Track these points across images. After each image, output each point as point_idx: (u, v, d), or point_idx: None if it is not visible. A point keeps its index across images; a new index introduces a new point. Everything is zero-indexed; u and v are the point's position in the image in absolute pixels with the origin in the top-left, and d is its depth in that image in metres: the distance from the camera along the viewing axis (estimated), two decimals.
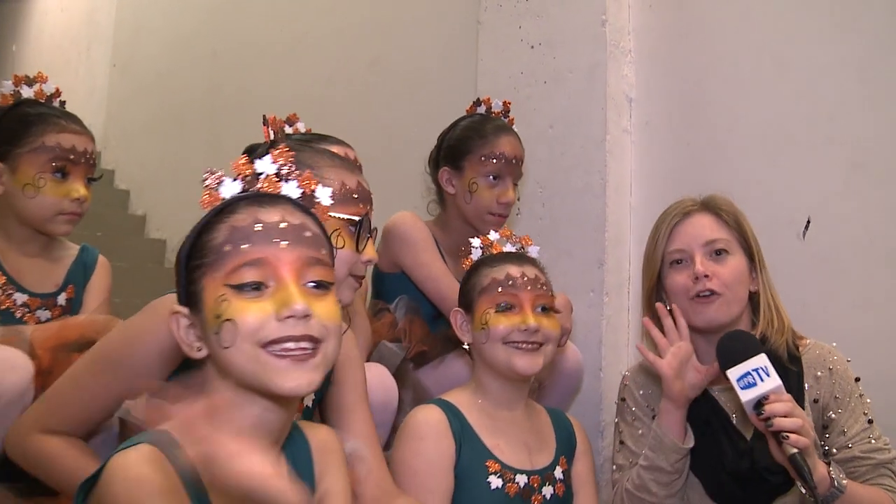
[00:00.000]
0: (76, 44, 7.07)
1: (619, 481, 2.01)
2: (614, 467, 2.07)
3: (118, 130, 5.99)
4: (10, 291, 2.13)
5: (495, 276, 1.90)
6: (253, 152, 2.18)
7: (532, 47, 3.04)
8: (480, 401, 1.92)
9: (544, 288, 1.92)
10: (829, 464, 1.77)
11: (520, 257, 1.97)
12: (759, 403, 1.68)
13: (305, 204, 1.28)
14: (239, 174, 1.25)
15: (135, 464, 1.11)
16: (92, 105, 6.36)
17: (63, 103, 2.27)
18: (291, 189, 1.27)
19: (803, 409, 1.85)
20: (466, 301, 1.95)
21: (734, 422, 1.97)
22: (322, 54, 4.35)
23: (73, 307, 2.27)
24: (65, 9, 7.46)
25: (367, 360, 2.18)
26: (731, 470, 1.91)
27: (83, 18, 7.05)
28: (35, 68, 6.98)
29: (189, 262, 1.22)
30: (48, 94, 2.23)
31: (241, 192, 1.24)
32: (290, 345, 1.15)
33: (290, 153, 1.29)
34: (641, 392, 2.08)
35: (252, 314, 1.15)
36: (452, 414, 1.87)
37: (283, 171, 1.27)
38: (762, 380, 1.69)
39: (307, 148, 1.75)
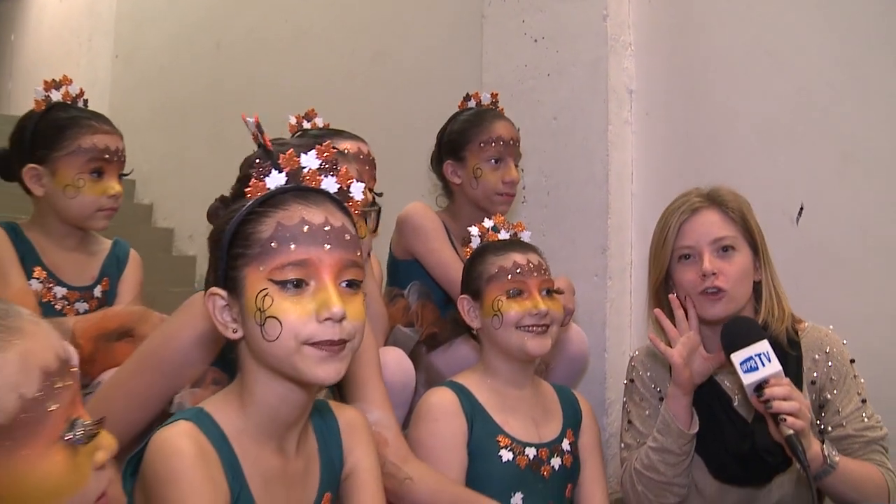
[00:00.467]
0: (77, 35, 7.02)
1: (627, 460, 2.09)
2: (622, 445, 2.14)
3: (121, 122, 5.80)
4: (51, 285, 2.23)
5: (502, 264, 1.98)
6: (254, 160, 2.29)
7: (535, 41, 3.10)
8: (489, 381, 2.01)
9: (547, 273, 2.01)
10: (822, 441, 1.86)
11: (522, 245, 2.05)
12: (760, 387, 1.76)
13: (340, 198, 1.34)
14: (285, 167, 1.31)
15: (174, 438, 1.22)
16: (94, 96, 6.14)
17: (86, 102, 2.36)
18: (331, 184, 1.33)
19: (801, 389, 1.94)
20: (473, 288, 2.02)
21: (736, 405, 2.03)
22: (326, 47, 4.35)
23: (108, 299, 2.37)
24: (64, 0, 7.41)
25: (385, 345, 2.27)
26: (733, 450, 1.98)
27: (83, 9, 7.00)
28: (35, 59, 7.00)
29: (231, 248, 1.28)
30: (73, 95, 2.32)
31: (286, 185, 1.30)
32: (327, 344, 1.24)
33: (334, 150, 1.35)
34: (649, 374, 2.14)
35: (295, 314, 1.23)
36: (463, 395, 1.96)
37: (326, 167, 1.33)
38: (763, 365, 1.77)
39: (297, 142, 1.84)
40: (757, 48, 2.74)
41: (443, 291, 2.55)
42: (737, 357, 1.80)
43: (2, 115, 7.49)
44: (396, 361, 2.14)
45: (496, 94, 2.77)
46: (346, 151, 1.90)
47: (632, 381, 2.18)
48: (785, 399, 1.73)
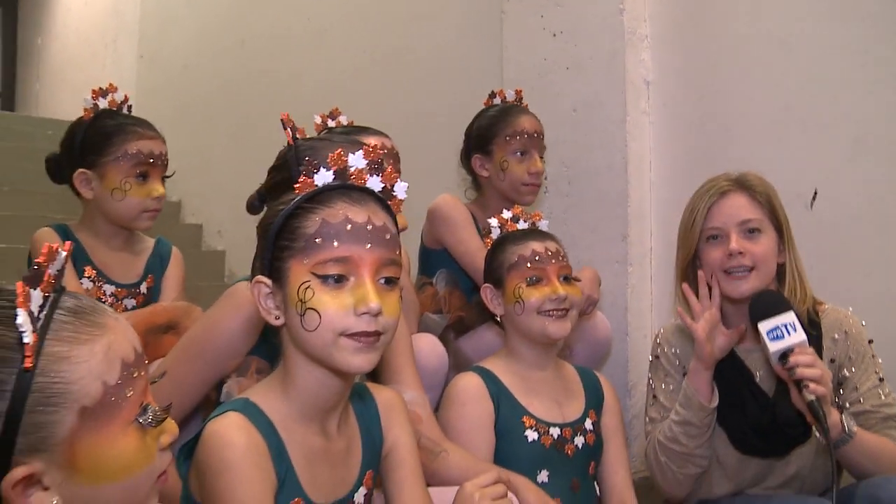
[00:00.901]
0: (102, 36, 7.02)
1: (651, 433, 2.16)
2: (647, 420, 2.21)
3: (147, 119, 5.99)
4: (101, 283, 2.34)
5: (522, 252, 2.04)
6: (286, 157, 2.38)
7: (554, 35, 3.15)
8: (514, 365, 2.08)
9: (564, 259, 2.08)
10: (841, 412, 1.95)
11: (541, 234, 2.12)
12: (785, 355, 1.84)
13: (384, 197, 1.40)
14: (332, 166, 1.37)
15: (225, 430, 1.31)
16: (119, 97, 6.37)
17: (130, 108, 2.46)
18: (375, 183, 1.39)
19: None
20: (496, 277, 2.10)
21: (758, 380, 2.11)
22: (348, 43, 4.38)
23: (153, 294, 2.48)
24: (88, 2, 7.43)
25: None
26: (754, 423, 2.05)
27: (108, 11, 7.00)
28: (61, 62, 7.10)
29: (277, 240, 1.35)
30: (119, 101, 2.43)
31: (332, 183, 1.36)
32: (363, 336, 1.31)
33: (381, 151, 1.41)
34: (674, 350, 2.21)
35: (334, 308, 1.29)
36: (489, 379, 2.03)
37: (373, 167, 1.39)
38: (789, 334, 1.85)
39: (325, 140, 1.91)
40: (770, 38, 2.79)
41: (469, 279, 2.63)
42: (763, 326, 1.88)
43: (31, 116, 7.61)
44: (430, 347, 2.23)
45: (520, 91, 2.85)
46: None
47: (657, 357, 2.25)
48: (809, 366, 1.81)
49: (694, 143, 2.98)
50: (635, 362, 2.95)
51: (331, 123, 2.49)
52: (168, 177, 2.44)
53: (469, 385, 2.02)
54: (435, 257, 2.73)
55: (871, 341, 2.11)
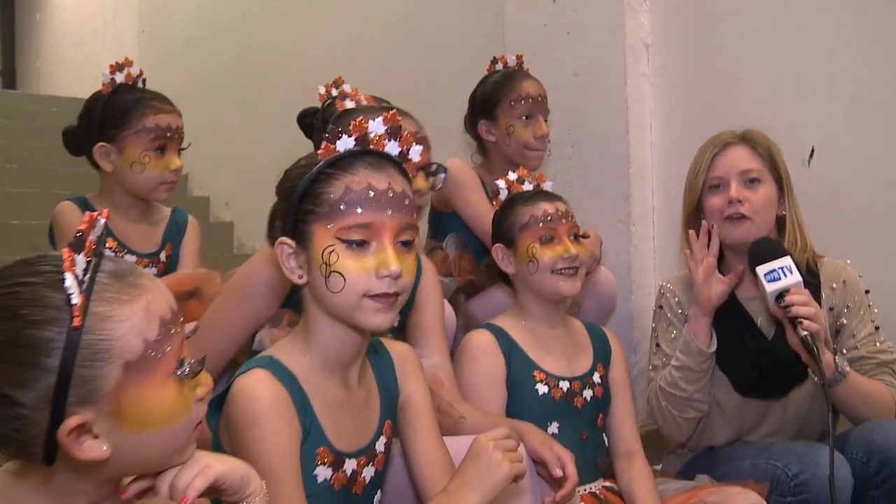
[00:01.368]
0: (102, 12, 7.02)
1: (654, 379, 2.26)
2: (650, 367, 2.31)
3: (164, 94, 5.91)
4: (122, 254, 2.40)
5: (533, 213, 2.08)
6: (305, 117, 2.44)
7: (554, 1, 3.18)
8: (524, 322, 2.12)
9: (573, 219, 2.12)
10: (835, 354, 2.04)
11: (549, 195, 2.15)
12: (781, 295, 1.93)
13: (400, 160, 1.45)
14: (354, 133, 1.42)
15: (252, 386, 1.39)
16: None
17: (144, 81, 2.50)
18: (393, 148, 1.45)
19: None
20: (507, 237, 2.12)
21: (758, 325, 2.20)
22: (351, 12, 4.39)
23: (172, 262, 2.56)
24: None
25: None
26: (753, 364, 2.15)
27: None
28: (61, 38, 7.08)
29: (301, 204, 1.42)
30: (135, 76, 2.47)
31: (354, 149, 1.42)
32: (384, 297, 1.39)
33: (399, 118, 1.46)
34: (676, 299, 2.30)
35: (357, 272, 1.37)
36: (500, 335, 2.08)
37: (391, 132, 1.44)
38: (786, 276, 1.94)
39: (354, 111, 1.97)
40: None
41: (479, 242, 2.69)
42: (761, 269, 1.97)
43: (34, 94, 7.62)
44: None
45: (521, 56, 2.89)
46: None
47: (660, 307, 2.34)
48: (803, 305, 1.90)
49: (694, 104, 3.02)
50: (640, 320, 3.02)
51: (334, 92, 2.54)
52: (183, 149, 2.50)
53: (481, 341, 2.07)
54: (445, 220, 2.79)
55: (867, 291, 2.19)
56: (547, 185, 2.21)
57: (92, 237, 1.04)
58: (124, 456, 1.06)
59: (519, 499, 1.65)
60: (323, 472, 1.44)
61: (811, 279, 2.16)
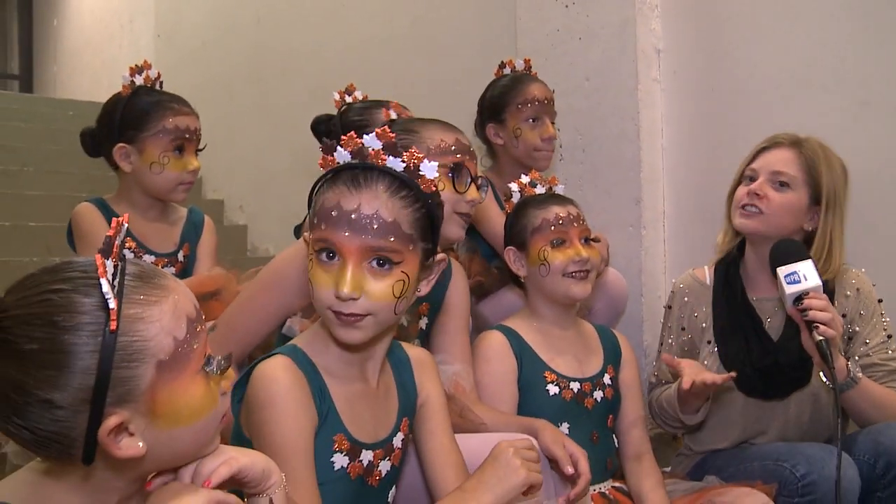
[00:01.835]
0: (118, 17, 7.06)
1: (655, 386, 2.33)
2: (655, 363, 2.37)
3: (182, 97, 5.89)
4: (141, 254, 2.45)
5: (545, 216, 2.10)
6: (319, 124, 2.47)
7: (566, 6, 3.19)
8: (535, 323, 2.15)
9: (584, 223, 2.14)
10: (848, 360, 2.05)
11: (561, 198, 2.17)
12: (799, 298, 1.95)
13: (410, 176, 1.45)
14: (347, 147, 1.44)
15: (272, 369, 1.44)
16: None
17: (161, 84, 2.55)
18: (396, 164, 1.44)
19: None
20: (519, 240, 2.14)
21: (766, 327, 2.23)
22: (363, 16, 4.41)
23: (190, 262, 2.61)
24: None
25: None
26: (758, 366, 2.17)
27: None
28: (78, 43, 7.12)
29: (310, 209, 1.48)
30: (153, 78, 2.52)
31: (350, 162, 1.44)
32: (342, 315, 1.40)
33: (391, 134, 1.46)
34: (685, 299, 2.35)
35: (320, 284, 1.41)
36: (512, 336, 2.10)
37: (390, 146, 1.45)
38: (806, 279, 1.95)
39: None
40: (776, 4, 2.84)
41: (489, 245, 2.69)
42: (782, 271, 1.98)
43: (51, 98, 7.69)
44: None
45: (529, 60, 2.91)
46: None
47: (669, 307, 2.40)
48: (821, 310, 1.91)
49: (704, 109, 3.04)
50: (650, 323, 3.03)
51: (348, 99, 2.58)
52: (200, 150, 2.54)
53: (493, 342, 2.10)
54: None
55: (880, 301, 2.21)
56: (559, 189, 2.23)
57: (118, 241, 1.07)
58: (158, 451, 1.10)
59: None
60: (340, 460, 1.48)
61: (826, 287, 2.15)
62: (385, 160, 1.44)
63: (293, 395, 1.42)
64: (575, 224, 2.11)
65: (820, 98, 2.72)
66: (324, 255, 1.41)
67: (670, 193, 3.10)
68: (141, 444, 1.07)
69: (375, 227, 1.40)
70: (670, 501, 2.06)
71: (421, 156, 1.47)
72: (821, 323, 1.90)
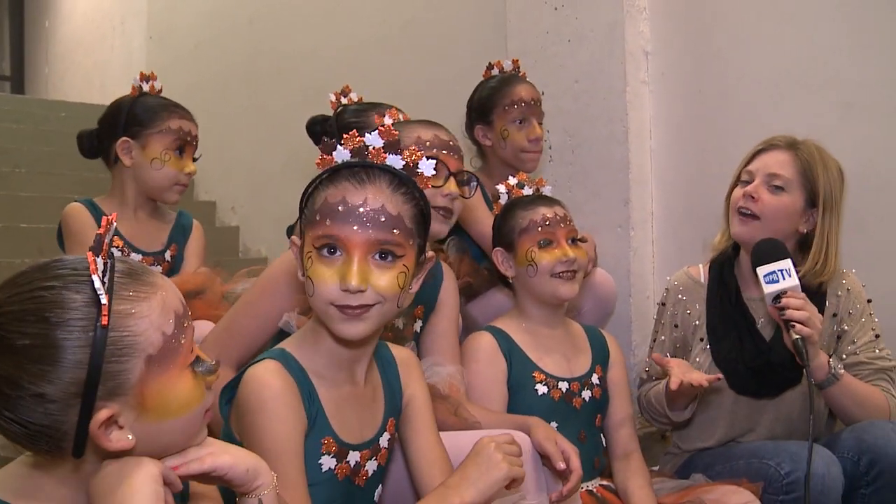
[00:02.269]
0: (110, 18, 7.02)
1: (646, 381, 2.35)
2: (647, 360, 2.38)
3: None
4: (128, 253, 2.50)
5: (532, 217, 2.11)
6: (315, 125, 2.49)
7: (556, 9, 3.22)
8: (524, 324, 2.16)
9: (571, 223, 2.15)
10: (830, 356, 2.08)
11: (548, 199, 2.18)
12: (778, 297, 1.97)
13: (408, 174, 1.48)
14: (348, 145, 1.47)
15: (263, 374, 1.45)
16: (129, 77, 6.13)
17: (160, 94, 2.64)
18: (396, 161, 1.48)
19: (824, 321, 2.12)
20: (507, 241, 2.16)
21: (758, 326, 2.25)
22: (356, 18, 4.42)
23: (177, 262, 2.66)
24: None
25: None
26: (750, 365, 2.20)
27: None
28: (70, 44, 7.10)
29: (304, 210, 1.49)
30: (157, 89, 2.62)
31: (349, 160, 1.47)
32: (348, 309, 1.43)
33: (395, 132, 1.49)
34: (680, 297, 2.37)
35: (323, 279, 1.42)
36: (501, 337, 2.12)
37: (390, 145, 1.48)
38: (784, 279, 1.98)
39: (401, 122, 2.03)
40: (763, 6, 2.86)
41: (478, 246, 2.70)
42: (761, 270, 2.01)
43: (43, 99, 7.67)
44: None
45: (517, 61, 2.92)
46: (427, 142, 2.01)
47: (663, 304, 2.42)
48: (798, 309, 1.94)
49: (692, 111, 3.06)
50: (638, 323, 3.06)
51: (343, 100, 2.60)
52: (196, 159, 2.63)
53: (483, 343, 2.11)
54: None
55: (869, 301, 2.24)
56: (546, 190, 2.24)
57: (107, 240, 1.09)
58: (147, 443, 1.12)
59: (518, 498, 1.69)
60: (328, 462, 1.50)
61: (819, 288, 2.22)
62: (385, 158, 1.47)
63: (283, 400, 1.44)
64: (562, 225, 2.12)
65: (806, 100, 2.75)
66: (325, 251, 1.43)
67: (658, 194, 3.13)
68: (130, 436, 1.09)
69: (382, 220, 1.43)
70: (657, 499, 2.07)
71: (420, 153, 1.50)
72: (797, 321, 1.93)
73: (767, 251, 2.05)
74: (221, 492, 1.41)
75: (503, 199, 2.24)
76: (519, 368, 2.10)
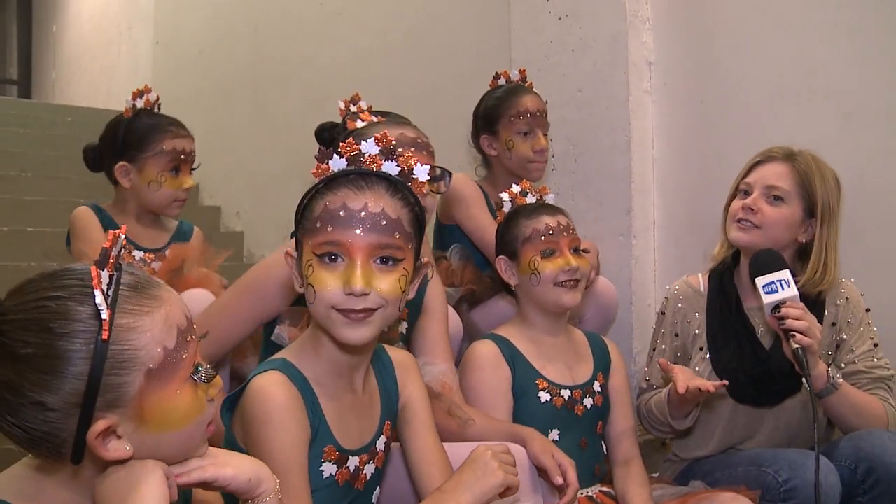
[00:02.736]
0: (117, 24, 7.07)
1: (646, 391, 2.36)
2: (645, 370, 2.39)
3: (164, 106, 5.81)
4: (130, 249, 2.55)
5: (535, 226, 2.12)
6: (324, 131, 2.52)
7: (560, 19, 3.23)
8: (527, 332, 2.17)
9: (574, 232, 2.16)
10: (829, 366, 2.09)
11: (551, 208, 2.19)
12: (777, 307, 1.98)
13: (403, 179, 1.50)
14: (345, 153, 1.49)
15: (268, 386, 1.47)
16: (135, 82, 5.99)
17: (160, 106, 2.69)
18: (391, 167, 1.49)
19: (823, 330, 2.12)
20: (510, 250, 2.17)
21: (759, 335, 2.26)
22: (360, 26, 4.44)
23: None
24: None
25: None
26: (750, 374, 2.20)
27: None
28: (77, 49, 7.14)
29: (299, 218, 1.51)
30: (152, 101, 2.66)
31: (346, 168, 1.48)
32: (351, 313, 1.44)
33: (391, 139, 1.51)
34: (679, 306, 2.38)
35: (325, 285, 1.43)
36: (504, 344, 2.13)
37: (385, 153, 1.50)
38: (783, 289, 1.98)
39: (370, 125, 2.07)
40: (764, 18, 2.87)
41: (482, 254, 2.74)
42: (760, 280, 2.01)
43: (50, 104, 7.71)
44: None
45: (524, 71, 2.94)
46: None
47: (662, 313, 2.42)
48: (797, 319, 1.95)
49: (694, 121, 3.07)
50: (640, 331, 3.06)
51: (353, 108, 2.62)
52: (194, 169, 2.68)
53: (486, 351, 2.12)
54: (449, 232, 2.85)
55: (868, 310, 2.25)
56: (550, 198, 2.25)
57: (114, 252, 1.11)
58: (145, 454, 1.14)
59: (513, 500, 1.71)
60: (329, 469, 1.52)
61: (818, 298, 2.23)
62: (381, 164, 1.49)
63: (289, 412, 1.45)
64: (565, 234, 2.13)
65: (806, 109, 2.76)
66: (326, 259, 1.44)
67: (660, 203, 3.14)
68: (128, 447, 1.11)
69: (383, 223, 1.45)
70: None
71: (414, 159, 1.52)
72: (797, 331, 1.94)
73: (766, 262, 2.06)
74: (225, 497, 1.44)
75: (507, 208, 2.24)
76: (522, 376, 2.11)
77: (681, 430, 2.26)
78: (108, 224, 2.57)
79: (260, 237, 5.04)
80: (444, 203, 2.84)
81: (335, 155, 1.49)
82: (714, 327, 2.32)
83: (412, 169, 1.52)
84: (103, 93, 7.10)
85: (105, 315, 1.06)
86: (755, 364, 2.22)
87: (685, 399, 2.09)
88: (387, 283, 1.45)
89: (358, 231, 1.43)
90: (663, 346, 2.38)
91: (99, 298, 1.06)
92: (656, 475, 2.44)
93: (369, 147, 1.50)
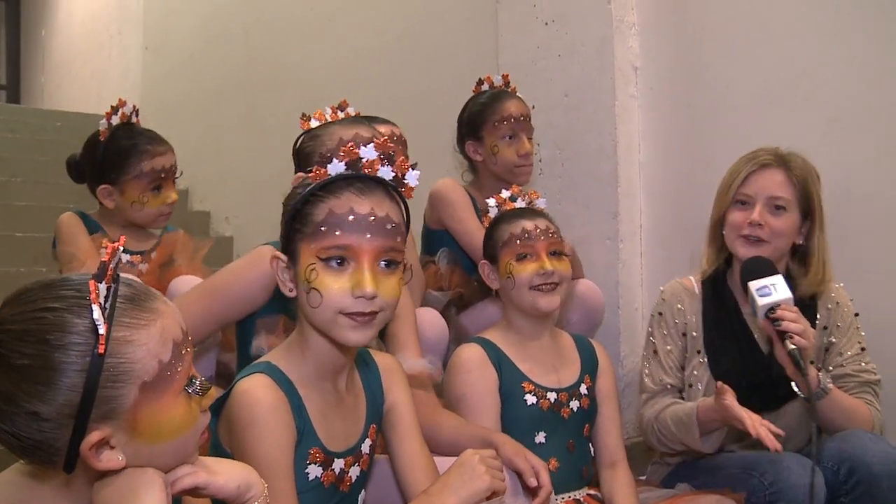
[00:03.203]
0: (107, 28, 7.10)
1: (650, 400, 2.32)
2: (646, 373, 2.35)
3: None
4: None
5: (513, 230, 2.13)
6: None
7: (546, 24, 3.24)
8: (512, 335, 2.18)
9: (555, 236, 2.14)
10: (819, 370, 2.11)
11: (532, 212, 2.19)
12: (772, 309, 1.99)
13: (395, 184, 1.52)
14: (344, 158, 1.49)
15: (253, 388, 1.48)
16: (126, 87, 6.36)
17: (138, 112, 2.69)
18: (386, 172, 1.50)
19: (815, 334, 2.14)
20: (491, 254, 2.19)
21: (756, 339, 2.27)
22: (351, 30, 4.46)
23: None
24: None
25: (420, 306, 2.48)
26: (749, 378, 2.20)
27: (112, 2, 7.08)
28: (67, 54, 7.15)
29: (292, 223, 1.51)
30: (128, 114, 2.65)
31: (344, 172, 1.49)
32: (359, 316, 1.46)
33: (390, 144, 1.52)
34: (678, 307, 2.36)
35: (334, 290, 1.44)
36: (490, 348, 2.13)
37: (383, 158, 1.50)
38: (777, 292, 2.00)
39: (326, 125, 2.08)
40: (750, 23, 2.89)
41: (469, 258, 2.75)
42: (753, 285, 2.04)
43: (39, 109, 7.70)
44: (431, 320, 2.37)
45: (507, 76, 2.95)
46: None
47: (660, 314, 2.39)
48: (793, 321, 1.96)
49: (680, 125, 3.08)
50: (627, 335, 3.07)
51: (340, 115, 2.62)
52: (178, 177, 2.71)
53: (472, 354, 2.13)
54: (437, 237, 2.86)
55: (856, 314, 2.27)
56: (540, 202, 2.26)
57: (112, 264, 1.12)
58: (138, 464, 1.14)
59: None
60: (314, 471, 1.54)
61: (810, 301, 2.25)
62: (378, 169, 1.50)
63: (275, 415, 1.47)
64: (542, 237, 2.12)
65: (792, 114, 2.77)
66: (333, 263, 1.45)
67: (647, 207, 3.14)
68: (121, 457, 1.11)
69: (389, 227, 1.48)
70: None
71: (407, 165, 1.53)
72: (793, 333, 1.95)
73: (758, 267, 2.08)
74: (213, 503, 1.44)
75: (493, 213, 2.25)
76: (508, 379, 2.11)
77: (697, 450, 2.21)
78: (94, 230, 2.59)
79: (250, 242, 5.00)
80: (433, 208, 2.85)
81: (334, 160, 1.49)
82: (711, 333, 2.32)
83: (405, 174, 1.53)
84: (93, 97, 7.09)
85: (102, 330, 1.07)
86: (757, 369, 2.23)
87: (721, 419, 2.07)
88: (390, 286, 1.48)
89: (368, 235, 1.45)
90: (669, 348, 2.34)
91: (97, 313, 1.07)
92: (643, 478, 2.45)
93: (368, 152, 1.51)
